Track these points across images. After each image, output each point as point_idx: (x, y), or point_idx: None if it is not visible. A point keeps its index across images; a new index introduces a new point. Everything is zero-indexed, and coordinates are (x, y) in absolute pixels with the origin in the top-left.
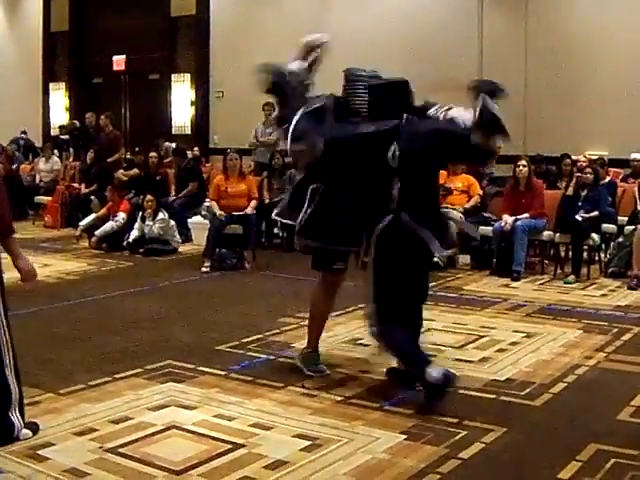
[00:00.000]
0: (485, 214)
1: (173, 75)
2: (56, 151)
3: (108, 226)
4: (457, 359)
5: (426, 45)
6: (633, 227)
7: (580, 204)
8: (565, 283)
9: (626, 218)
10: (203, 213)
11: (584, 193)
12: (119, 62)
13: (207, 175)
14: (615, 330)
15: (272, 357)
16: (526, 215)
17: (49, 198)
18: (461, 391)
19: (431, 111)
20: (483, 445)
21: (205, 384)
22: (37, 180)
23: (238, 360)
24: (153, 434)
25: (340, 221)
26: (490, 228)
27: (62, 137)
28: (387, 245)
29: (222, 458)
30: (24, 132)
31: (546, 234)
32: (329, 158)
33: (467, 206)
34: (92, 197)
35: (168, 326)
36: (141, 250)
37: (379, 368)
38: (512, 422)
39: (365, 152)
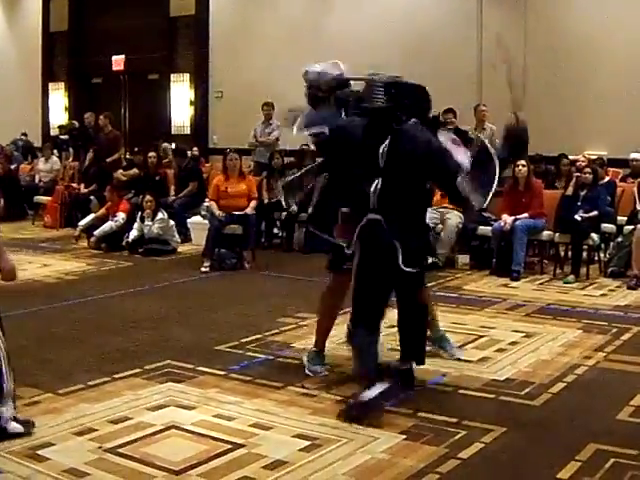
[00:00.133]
0: (484, 214)
1: (172, 75)
2: (55, 151)
3: (107, 226)
4: (456, 359)
5: (425, 45)
6: (632, 227)
7: (579, 204)
8: (565, 283)
9: (625, 218)
10: (202, 213)
11: (583, 193)
12: (118, 62)
13: (207, 175)
14: (614, 330)
15: (271, 357)
16: (525, 215)
17: (48, 198)
18: (461, 391)
19: (442, 133)
20: (482, 445)
21: (204, 384)
22: (36, 180)
23: (237, 360)
24: (152, 434)
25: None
26: (489, 228)
27: (61, 137)
28: (362, 246)
29: (221, 458)
30: (24, 134)
31: (545, 234)
32: (332, 147)
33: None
34: (91, 197)
35: (167, 326)
36: (140, 250)
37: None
38: (511, 422)
39: (360, 145)
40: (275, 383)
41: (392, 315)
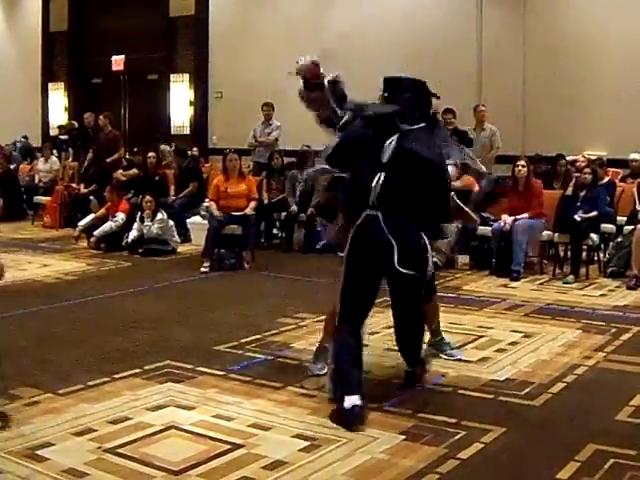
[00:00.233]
0: (484, 214)
1: (172, 75)
2: (55, 151)
3: (107, 226)
4: (456, 359)
5: (425, 46)
6: (632, 227)
7: (579, 204)
8: (564, 283)
9: (625, 218)
10: (202, 213)
11: (583, 193)
12: (118, 62)
13: (206, 175)
14: (614, 330)
15: (271, 357)
16: (525, 215)
17: (48, 198)
18: (460, 391)
19: (454, 152)
20: (482, 445)
21: (204, 384)
22: (36, 180)
23: (237, 360)
24: (152, 434)
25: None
26: (489, 228)
27: (61, 137)
28: (355, 242)
29: (221, 458)
30: (25, 137)
31: (545, 234)
32: (341, 151)
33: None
34: (91, 197)
35: (167, 326)
36: (140, 250)
37: (378, 369)
38: (511, 422)
39: (366, 140)
40: (274, 383)
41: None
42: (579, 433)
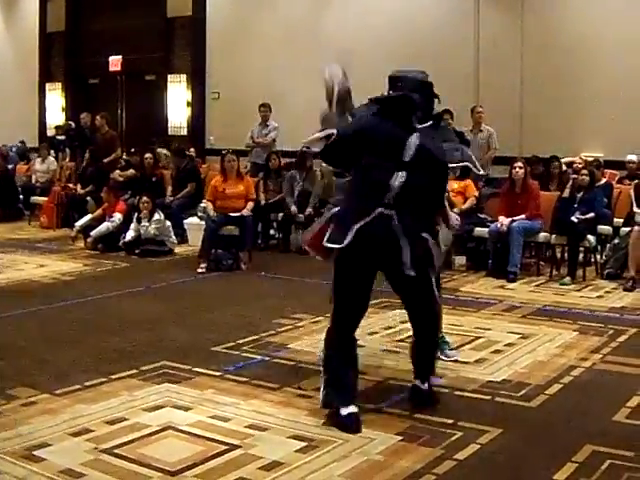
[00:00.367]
0: (481, 215)
1: (169, 76)
2: (52, 151)
3: (104, 227)
4: (453, 360)
5: (423, 45)
6: (629, 229)
7: (576, 206)
8: (561, 285)
9: (622, 220)
10: (199, 214)
11: (580, 195)
12: (115, 63)
13: (203, 176)
14: (611, 332)
15: (268, 358)
16: (522, 216)
17: (45, 198)
18: (457, 392)
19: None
20: (479, 446)
21: (201, 385)
22: (33, 180)
23: (234, 361)
24: (149, 435)
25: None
26: (486, 229)
27: (58, 137)
28: (358, 241)
29: (218, 459)
30: (22, 142)
31: (542, 236)
32: (352, 143)
33: (463, 207)
34: (88, 198)
35: (164, 327)
36: (137, 251)
37: (375, 370)
38: (508, 423)
39: (383, 136)
40: (271, 384)
41: (388, 316)
42: (576, 434)
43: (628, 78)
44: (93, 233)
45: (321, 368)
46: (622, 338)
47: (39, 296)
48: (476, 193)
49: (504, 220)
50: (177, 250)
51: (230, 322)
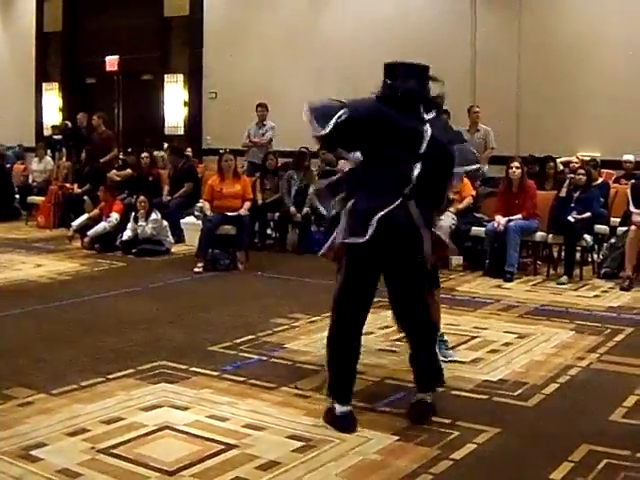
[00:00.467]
0: (478, 215)
1: (166, 75)
2: (49, 151)
3: (101, 226)
4: (450, 360)
5: (419, 46)
6: (625, 228)
7: (573, 205)
8: (558, 284)
9: (619, 219)
10: (196, 214)
11: (577, 194)
12: (112, 62)
13: (200, 175)
14: (608, 331)
15: (265, 358)
16: (519, 216)
17: (42, 198)
18: (454, 392)
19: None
20: (475, 446)
21: (198, 385)
22: (30, 180)
23: (231, 361)
24: (145, 434)
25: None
26: (483, 229)
27: (55, 137)
28: (382, 232)
29: (215, 459)
30: (19, 145)
31: (539, 235)
32: (363, 128)
33: (460, 207)
34: (85, 197)
35: (161, 326)
36: (134, 250)
37: (372, 369)
38: (505, 423)
39: (398, 125)
40: (268, 384)
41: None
42: (573, 433)
43: (625, 78)
44: (90, 233)
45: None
46: (619, 337)
47: (36, 296)
48: (473, 192)
49: (501, 219)
50: (174, 250)
51: (227, 322)
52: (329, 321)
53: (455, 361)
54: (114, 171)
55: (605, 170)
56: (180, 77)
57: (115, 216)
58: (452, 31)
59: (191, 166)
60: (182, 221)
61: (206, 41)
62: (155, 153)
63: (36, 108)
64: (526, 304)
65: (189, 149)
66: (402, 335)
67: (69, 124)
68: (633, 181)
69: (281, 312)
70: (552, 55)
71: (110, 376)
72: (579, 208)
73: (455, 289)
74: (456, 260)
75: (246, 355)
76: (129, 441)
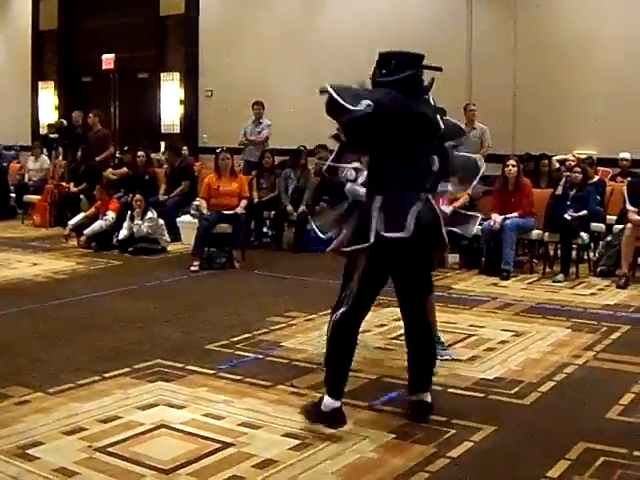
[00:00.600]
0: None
1: (162, 74)
2: (45, 150)
3: (97, 225)
4: (446, 358)
5: (415, 45)
6: (622, 226)
7: (569, 203)
8: (554, 282)
9: (615, 217)
10: (192, 212)
11: (573, 192)
12: (108, 61)
13: (197, 174)
14: (604, 329)
15: (261, 356)
16: (515, 214)
17: (38, 197)
18: (450, 390)
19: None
20: (472, 444)
21: (194, 383)
22: (26, 179)
23: (227, 359)
24: (142, 433)
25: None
26: (479, 227)
27: (51, 136)
28: (418, 229)
29: (211, 457)
30: (16, 149)
31: (535, 233)
32: (386, 123)
33: (456, 205)
34: (81, 196)
35: (157, 325)
36: (130, 249)
37: (368, 367)
38: (501, 421)
39: (423, 114)
40: (264, 382)
41: (380, 313)
42: (569, 431)
43: (621, 76)
44: (86, 231)
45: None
46: (615, 335)
47: (32, 295)
48: (469, 191)
49: (497, 218)
50: (170, 248)
51: (223, 320)
52: (333, 316)
53: (450, 359)
54: (110, 170)
55: (601, 168)
56: (176, 75)
57: (111, 215)
58: (448, 30)
59: (188, 164)
60: (178, 220)
61: (202, 39)
62: (152, 155)
63: (32, 107)
64: (522, 302)
65: (185, 147)
66: (403, 335)
67: (65, 122)
68: (629, 179)
69: (277, 310)
70: (548, 54)
71: (107, 375)
72: (575, 206)
73: (451, 287)
74: (452, 258)
75: (242, 353)
76: (126, 440)
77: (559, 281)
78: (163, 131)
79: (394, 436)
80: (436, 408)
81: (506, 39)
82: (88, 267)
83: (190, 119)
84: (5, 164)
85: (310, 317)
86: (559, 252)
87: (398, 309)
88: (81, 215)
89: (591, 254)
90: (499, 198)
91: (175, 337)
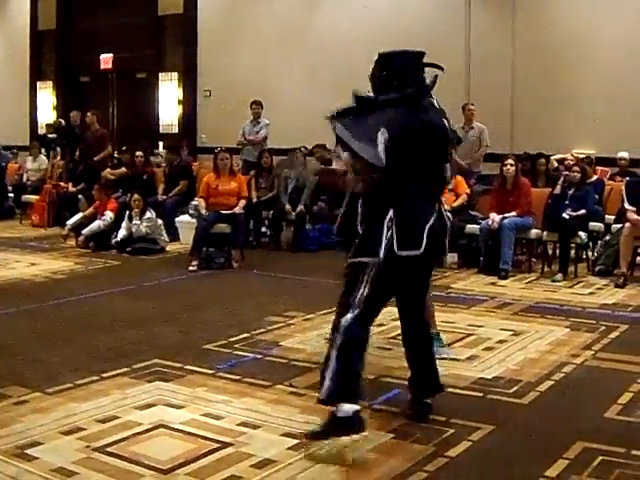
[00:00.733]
0: (472, 212)
1: (160, 74)
2: (43, 150)
3: (95, 225)
4: (444, 357)
5: (413, 44)
6: (620, 225)
7: (567, 202)
8: (552, 281)
9: (613, 216)
10: (191, 212)
11: (571, 192)
12: (106, 60)
13: (195, 174)
14: (602, 328)
15: (260, 356)
16: (513, 213)
17: (36, 197)
18: (448, 389)
19: None
20: (470, 443)
21: (192, 383)
22: (24, 179)
23: (225, 359)
24: (140, 433)
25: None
26: (477, 226)
27: (50, 136)
28: (429, 242)
29: (209, 457)
30: (13, 152)
31: (533, 232)
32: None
33: (455, 205)
34: (79, 196)
35: (155, 325)
36: (128, 249)
37: (367, 367)
38: (499, 420)
39: (433, 126)
40: (263, 382)
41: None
42: (567, 431)
43: (620, 75)
44: (84, 231)
45: (332, 358)
46: (613, 335)
47: (31, 295)
48: (467, 190)
49: (495, 217)
50: (169, 248)
51: (222, 320)
52: (342, 320)
53: (449, 359)
54: (108, 170)
55: (600, 167)
56: (174, 75)
57: (109, 215)
58: (447, 29)
59: (187, 164)
60: (177, 219)
61: (200, 39)
62: (152, 159)
63: (30, 107)
64: (521, 301)
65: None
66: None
67: (63, 122)
68: (628, 178)
69: (276, 310)
70: (546, 53)
71: (105, 375)
72: (574, 205)
73: (450, 287)
74: (451, 258)
75: (241, 353)
76: (124, 440)
77: (557, 280)
78: (162, 131)
79: (392, 436)
80: (435, 407)
81: (504, 38)
82: (86, 267)
83: (188, 119)
84: (3, 164)
85: (309, 317)
86: (557, 251)
87: (396, 309)
88: (79, 215)
89: (589, 253)
90: (497, 197)
91: (173, 337)
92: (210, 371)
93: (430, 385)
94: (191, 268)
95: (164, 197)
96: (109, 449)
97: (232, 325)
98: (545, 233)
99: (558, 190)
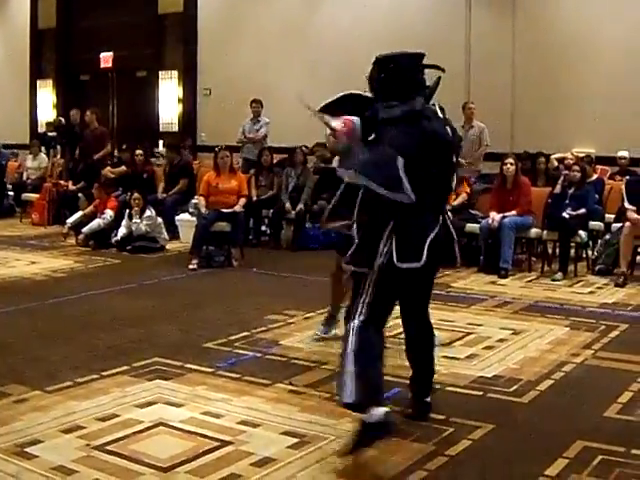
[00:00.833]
0: (472, 211)
1: (160, 72)
2: (43, 148)
3: (95, 223)
4: (444, 356)
5: (413, 43)
6: (620, 224)
7: (567, 202)
8: (552, 280)
9: (613, 215)
10: (191, 210)
11: (571, 191)
12: (106, 59)
13: (195, 172)
14: (602, 327)
15: (259, 354)
16: (513, 212)
17: (36, 195)
18: (448, 388)
19: None
20: (470, 442)
21: (192, 381)
22: (24, 177)
23: (225, 357)
24: (140, 431)
25: None
26: (477, 225)
27: (50, 134)
28: (431, 253)
29: (209, 455)
30: (13, 153)
31: (533, 231)
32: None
33: (455, 204)
34: (79, 194)
35: (155, 323)
36: (128, 247)
37: None
38: (499, 419)
39: (441, 136)
40: (263, 380)
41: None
42: (567, 430)
43: (619, 74)
44: (84, 230)
45: (348, 362)
46: (613, 334)
47: (31, 293)
48: (467, 189)
49: (495, 216)
50: (168, 247)
51: (222, 318)
52: (351, 325)
53: (448, 357)
54: (108, 168)
55: (600, 166)
56: (174, 74)
57: (109, 213)
58: (447, 28)
59: (187, 162)
60: (177, 218)
61: (200, 37)
62: (153, 160)
63: (30, 105)
64: (521, 300)
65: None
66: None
67: (62, 120)
68: (628, 177)
69: (276, 309)
70: (546, 53)
71: (105, 373)
72: (574, 204)
73: (450, 285)
74: None
75: (241, 352)
76: (124, 438)
77: (557, 279)
78: (162, 129)
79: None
80: (435, 406)
81: (505, 37)
82: (86, 265)
83: (188, 117)
84: (3, 162)
85: (308, 315)
86: (557, 250)
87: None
88: (79, 213)
89: (589, 252)
90: (497, 196)
91: (173, 335)
92: (210, 369)
93: (428, 386)
94: (191, 266)
95: (164, 195)
96: (109, 447)
97: (232, 324)
98: (545, 232)
99: (558, 189)
